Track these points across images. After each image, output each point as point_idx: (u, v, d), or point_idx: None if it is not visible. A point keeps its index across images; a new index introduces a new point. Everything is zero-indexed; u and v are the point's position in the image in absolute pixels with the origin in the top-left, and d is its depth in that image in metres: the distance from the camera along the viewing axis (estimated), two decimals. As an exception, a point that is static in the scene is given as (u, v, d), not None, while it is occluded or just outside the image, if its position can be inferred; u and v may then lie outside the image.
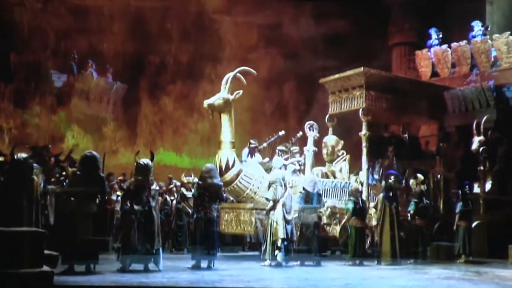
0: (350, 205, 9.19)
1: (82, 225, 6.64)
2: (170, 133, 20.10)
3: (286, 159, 10.65)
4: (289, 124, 20.01)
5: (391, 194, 9.50)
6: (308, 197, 8.82)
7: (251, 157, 10.42)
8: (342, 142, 11.01)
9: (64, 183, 8.78)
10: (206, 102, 8.88)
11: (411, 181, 11.02)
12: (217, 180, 7.90)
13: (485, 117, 12.46)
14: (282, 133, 11.32)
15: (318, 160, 11.28)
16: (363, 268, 8.77)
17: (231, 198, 10.30)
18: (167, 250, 10.58)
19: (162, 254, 7.47)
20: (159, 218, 7.41)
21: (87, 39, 18.50)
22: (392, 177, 9.79)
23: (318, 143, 10.86)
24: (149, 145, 19.52)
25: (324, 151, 10.93)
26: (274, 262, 8.18)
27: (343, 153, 10.91)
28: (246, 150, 10.53)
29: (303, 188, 9.02)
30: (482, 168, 12.03)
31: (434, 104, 11.72)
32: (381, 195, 9.55)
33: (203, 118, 20.44)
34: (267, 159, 10.69)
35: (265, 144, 11.20)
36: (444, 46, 15.40)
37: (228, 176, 9.08)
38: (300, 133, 10.85)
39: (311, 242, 8.74)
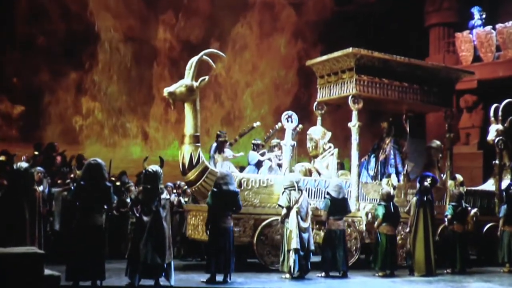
0: (381, 211, 8.98)
1: (88, 239, 6.60)
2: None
3: (263, 154, 10.20)
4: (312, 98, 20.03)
5: (425, 198, 9.25)
6: (333, 203, 8.64)
7: (220, 152, 9.93)
8: (329, 134, 10.27)
9: (72, 186, 8.82)
10: (166, 90, 8.30)
11: (450, 183, 10.73)
12: (233, 187, 7.78)
13: (505, 101, 11.61)
14: (257, 124, 10.89)
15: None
16: (394, 280, 8.58)
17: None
18: (187, 258, 10.50)
19: (176, 262, 7.42)
20: (170, 229, 7.34)
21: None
22: (428, 179, 9.48)
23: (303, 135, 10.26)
24: (163, 122, 19.77)
25: (309, 144, 10.20)
26: (295, 274, 8.08)
27: (330, 147, 10.16)
28: (214, 145, 9.99)
29: (327, 193, 8.85)
30: (497, 162, 11.29)
31: (442, 89, 10.64)
32: (414, 199, 9.30)
33: (224, 90, 20.64)
34: (241, 153, 10.29)
35: (237, 137, 10.74)
36: (488, 28, 14.92)
37: (192, 175, 8.50)
38: (280, 124, 10.05)
39: (337, 251, 8.59)
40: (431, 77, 10.51)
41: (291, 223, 8.08)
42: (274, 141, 10.41)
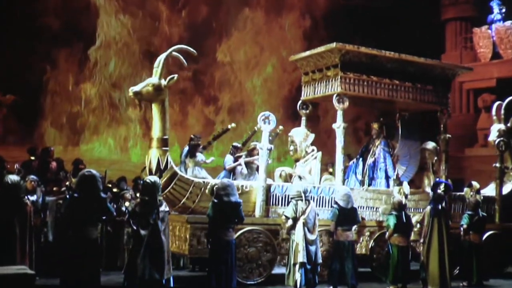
0: (392, 221, 8.90)
1: (83, 252, 6.57)
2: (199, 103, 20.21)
3: (238, 158, 10.00)
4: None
5: (440, 206, 9.17)
6: (341, 213, 8.58)
7: (192, 156, 9.72)
8: (312, 135, 9.90)
9: (67, 195, 8.82)
10: (131, 90, 7.92)
11: (465, 190, 10.62)
12: (235, 198, 7.69)
13: (508, 99, 11.29)
14: (231, 125, 10.72)
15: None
16: (406, 295, 8.54)
17: None
18: (187, 267, 10.48)
19: (176, 274, 7.38)
20: (169, 242, 7.32)
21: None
22: (441, 186, 9.40)
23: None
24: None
25: (291, 147, 9.87)
26: (302, 288, 8.05)
27: (313, 150, 9.80)
28: (186, 149, 9.80)
29: (335, 203, 8.79)
30: (498, 165, 10.99)
31: (437, 87, 10.29)
32: (428, 207, 9.21)
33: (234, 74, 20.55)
34: (212, 158, 10.11)
35: (211, 140, 10.57)
36: (508, 23, 14.79)
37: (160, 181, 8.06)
38: (258, 125, 9.50)
39: (346, 264, 8.55)
40: (424, 74, 10.15)
41: (298, 235, 8.00)
42: (253, 144, 10.09)
